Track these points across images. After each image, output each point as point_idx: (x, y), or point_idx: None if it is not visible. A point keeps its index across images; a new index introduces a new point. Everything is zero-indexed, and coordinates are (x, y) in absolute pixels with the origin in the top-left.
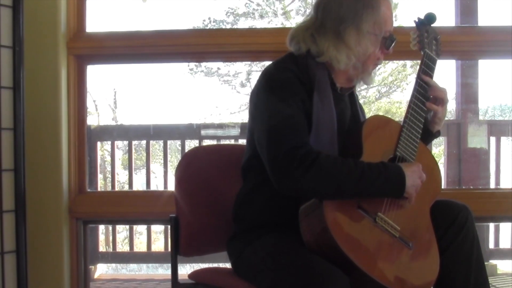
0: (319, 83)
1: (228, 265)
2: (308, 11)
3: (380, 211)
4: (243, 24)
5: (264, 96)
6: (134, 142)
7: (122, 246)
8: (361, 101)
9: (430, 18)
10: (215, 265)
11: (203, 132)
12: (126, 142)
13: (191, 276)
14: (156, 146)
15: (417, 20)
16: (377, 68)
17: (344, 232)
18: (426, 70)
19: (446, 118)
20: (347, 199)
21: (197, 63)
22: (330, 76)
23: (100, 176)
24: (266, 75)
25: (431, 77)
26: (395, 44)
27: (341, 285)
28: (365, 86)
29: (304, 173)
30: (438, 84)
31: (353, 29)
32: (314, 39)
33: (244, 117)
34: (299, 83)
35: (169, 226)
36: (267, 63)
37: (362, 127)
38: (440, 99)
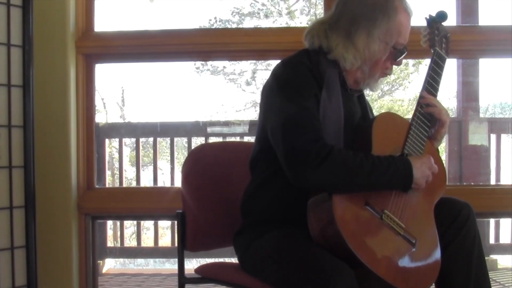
0: (328, 80)
1: (234, 260)
2: (312, 11)
3: (387, 208)
4: (249, 23)
5: (278, 90)
6: (142, 139)
7: (130, 241)
8: None
9: (442, 15)
10: (221, 260)
11: (209, 130)
12: (133, 139)
13: (198, 270)
14: (163, 143)
15: (428, 18)
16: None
17: (350, 228)
18: (436, 68)
19: None
20: (358, 192)
21: (203, 62)
22: (341, 74)
23: (108, 173)
24: (279, 69)
25: (440, 75)
26: (404, 57)
27: (348, 279)
28: None
29: (319, 166)
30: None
31: (364, 32)
32: (327, 34)
33: (249, 115)
34: (312, 77)
35: (176, 222)
36: (272, 61)
37: (372, 124)
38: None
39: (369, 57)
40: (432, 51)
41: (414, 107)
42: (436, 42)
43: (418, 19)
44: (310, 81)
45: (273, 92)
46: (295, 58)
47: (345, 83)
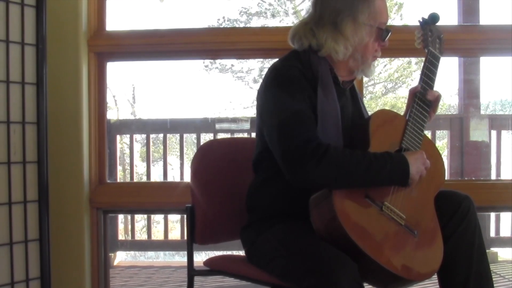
0: (322, 78)
1: (241, 253)
2: None
3: (387, 200)
4: (256, 23)
5: (273, 92)
6: (152, 136)
7: (140, 235)
8: (368, 97)
9: (434, 17)
10: (229, 252)
11: (217, 126)
12: (144, 136)
13: (206, 263)
14: (173, 139)
15: (421, 20)
16: (377, 61)
17: (352, 221)
18: (430, 67)
19: (449, 113)
20: (356, 188)
21: (212, 60)
22: (332, 70)
23: (119, 168)
24: (273, 72)
25: (435, 73)
26: (390, 36)
27: (350, 271)
28: (372, 81)
29: (316, 165)
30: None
31: (350, 20)
32: (314, 33)
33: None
34: (305, 80)
35: (185, 216)
36: None
37: (369, 122)
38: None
39: (359, 43)
40: (426, 51)
41: (407, 103)
42: (430, 42)
43: (415, 20)
44: (302, 83)
45: (266, 96)
46: (286, 61)
47: (337, 78)
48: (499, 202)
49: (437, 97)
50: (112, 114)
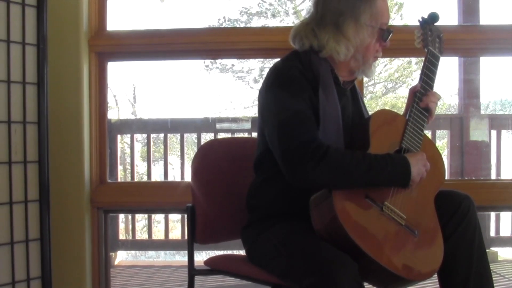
0: (323, 79)
1: (242, 252)
2: None
3: (387, 200)
4: (256, 23)
5: (274, 92)
6: (153, 135)
7: (141, 234)
8: (368, 96)
9: (433, 17)
10: (229, 252)
11: (218, 126)
12: (145, 135)
13: (207, 262)
14: (174, 139)
15: (421, 20)
16: (377, 61)
17: (352, 221)
18: (430, 66)
19: (449, 113)
20: (356, 189)
21: (212, 60)
22: (333, 71)
23: (120, 168)
24: (274, 72)
25: (435, 73)
26: (391, 36)
27: (350, 271)
28: (372, 81)
29: (316, 166)
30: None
31: (351, 21)
32: (315, 33)
33: (257, 111)
34: (305, 80)
35: (185, 215)
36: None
37: (369, 122)
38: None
39: (360, 44)
40: (426, 51)
41: (407, 103)
42: (429, 42)
43: (415, 20)
44: (303, 84)
45: (267, 96)
46: (287, 62)
47: (338, 79)
48: (499, 201)
49: (427, 104)
50: (112, 114)
